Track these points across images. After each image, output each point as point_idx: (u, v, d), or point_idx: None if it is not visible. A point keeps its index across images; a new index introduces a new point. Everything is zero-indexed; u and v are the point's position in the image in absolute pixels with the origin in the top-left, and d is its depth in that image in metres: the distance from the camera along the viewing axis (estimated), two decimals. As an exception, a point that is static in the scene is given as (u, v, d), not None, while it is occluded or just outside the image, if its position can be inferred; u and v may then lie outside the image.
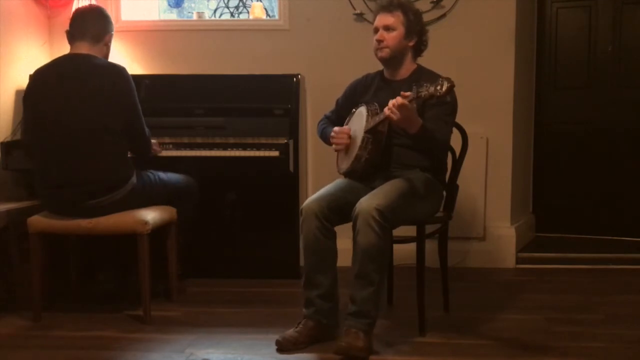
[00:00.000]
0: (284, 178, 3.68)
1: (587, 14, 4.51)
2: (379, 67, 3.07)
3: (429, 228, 2.97)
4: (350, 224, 2.72)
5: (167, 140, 3.65)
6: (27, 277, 3.17)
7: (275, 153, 3.62)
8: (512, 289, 3.65)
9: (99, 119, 3.01)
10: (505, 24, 4.04)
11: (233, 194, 3.85)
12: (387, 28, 2.91)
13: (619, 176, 4.52)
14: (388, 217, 2.63)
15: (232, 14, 4.86)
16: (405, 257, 3.43)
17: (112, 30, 3.20)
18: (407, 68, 2.98)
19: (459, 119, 2.99)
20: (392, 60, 2.95)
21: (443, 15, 4.02)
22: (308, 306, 2.84)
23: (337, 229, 2.84)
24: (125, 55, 4.13)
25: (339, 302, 2.88)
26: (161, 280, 3.38)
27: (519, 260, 4.15)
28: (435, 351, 2.74)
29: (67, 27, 3.15)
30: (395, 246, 3.01)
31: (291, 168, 3.65)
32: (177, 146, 3.66)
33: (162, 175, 3.34)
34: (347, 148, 2.97)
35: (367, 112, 2.85)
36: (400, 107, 2.57)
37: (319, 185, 3.26)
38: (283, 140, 3.64)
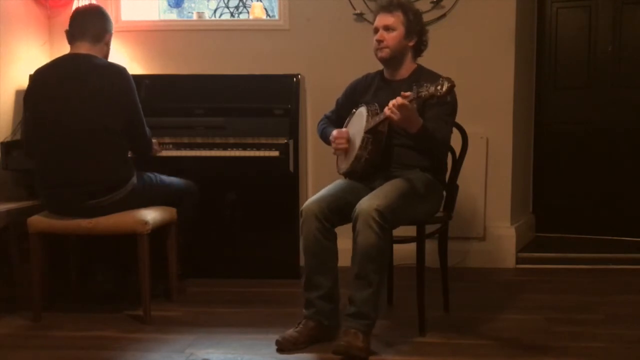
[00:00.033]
0: (284, 178, 3.68)
1: (587, 14, 4.51)
2: (379, 67, 3.07)
3: (429, 228, 2.97)
4: (351, 224, 2.71)
5: (167, 140, 3.65)
6: (27, 277, 3.17)
7: (275, 153, 3.62)
8: (512, 289, 3.65)
9: (99, 119, 3.01)
10: (505, 24, 4.04)
11: (233, 194, 3.85)
12: (387, 28, 2.91)
13: (619, 176, 4.52)
14: (388, 217, 2.63)
15: (232, 14, 4.86)
16: (405, 257, 3.43)
17: (112, 30, 3.20)
18: (407, 68, 2.98)
19: (459, 119, 2.99)
20: (392, 60, 2.95)
21: (443, 15, 4.02)
22: (308, 307, 2.83)
23: (338, 229, 2.84)
24: (125, 55, 4.13)
25: (340, 302, 2.88)
26: (161, 280, 3.38)
27: (519, 260, 4.15)
28: (435, 351, 2.74)
29: (67, 27, 3.15)
30: (395, 246, 3.02)
31: (291, 168, 3.65)
32: (177, 146, 3.66)
33: (164, 177, 3.35)
34: (346, 150, 2.97)
35: (367, 112, 2.85)
36: (400, 107, 2.57)
37: (319, 185, 3.26)
38: (283, 140, 3.64)
